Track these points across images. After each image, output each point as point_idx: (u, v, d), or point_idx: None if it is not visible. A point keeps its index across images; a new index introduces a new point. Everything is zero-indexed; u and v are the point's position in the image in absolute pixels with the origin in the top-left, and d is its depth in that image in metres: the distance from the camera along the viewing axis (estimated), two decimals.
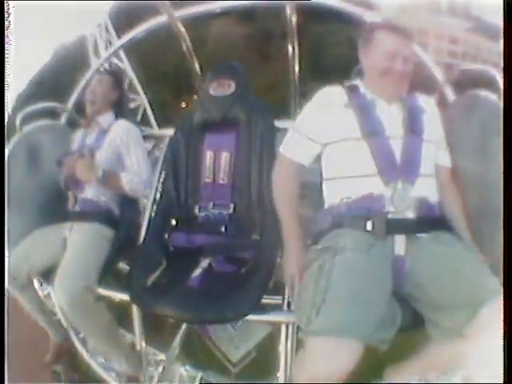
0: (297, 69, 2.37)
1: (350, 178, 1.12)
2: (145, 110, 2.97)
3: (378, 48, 1.16)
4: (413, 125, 1.14)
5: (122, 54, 2.68)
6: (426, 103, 1.22)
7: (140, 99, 2.98)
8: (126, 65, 2.79)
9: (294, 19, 2.04)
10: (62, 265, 1.37)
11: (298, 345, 1.14)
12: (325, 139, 1.18)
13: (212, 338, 1.67)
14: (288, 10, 2.00)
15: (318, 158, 1.23)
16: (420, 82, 1.35)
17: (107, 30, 3.31)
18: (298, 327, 1.08)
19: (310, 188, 1.33)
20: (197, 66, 2.42)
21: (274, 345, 1.27)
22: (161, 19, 2.15)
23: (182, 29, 2.18)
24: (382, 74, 1.16)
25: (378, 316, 0.91)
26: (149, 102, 3.02)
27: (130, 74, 2.88)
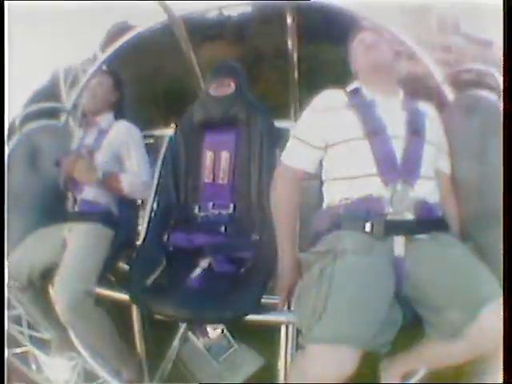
0: (296, 73, 2.38)
1: (349, 178, 1.11)
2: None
3: (360, 46, 1.26)
4: (414, 126, 1.14)
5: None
6: (427, 106, 1.23)
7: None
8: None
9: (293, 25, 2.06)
10: (61, 266, 1.36)
11: (298, 346, 1.13)
12: (326, 142, 1.17)
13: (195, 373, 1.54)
14: (288, 15, 2.01)
15: (320, 162, 1.21)
16: (419, 82, 1.35)
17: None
18: (298, 330, 1.07)
19: (308, 189, 1.32)
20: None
21: (273, 345, 1.27)
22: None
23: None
24: (369, 70, 1.21)
25: (380, 320, 0.90)
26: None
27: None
